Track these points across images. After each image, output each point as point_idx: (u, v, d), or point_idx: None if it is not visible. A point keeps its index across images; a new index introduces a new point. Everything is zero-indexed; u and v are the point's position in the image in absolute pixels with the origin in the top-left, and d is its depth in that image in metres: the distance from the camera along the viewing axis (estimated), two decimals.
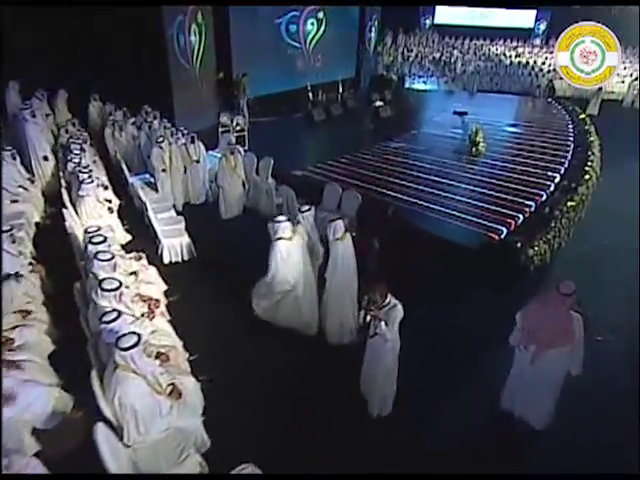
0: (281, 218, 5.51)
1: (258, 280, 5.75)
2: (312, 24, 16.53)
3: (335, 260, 5.36)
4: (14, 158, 7.52)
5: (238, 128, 11.45)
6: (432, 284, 6.42)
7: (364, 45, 19.27)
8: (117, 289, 4.42)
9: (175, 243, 7.41)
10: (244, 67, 13.84)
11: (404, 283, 6.45)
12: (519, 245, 6.99)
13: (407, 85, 20.78)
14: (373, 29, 19.91)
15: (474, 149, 11.30)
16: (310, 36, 16.60)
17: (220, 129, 11.40)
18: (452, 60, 21.61)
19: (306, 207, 5.88)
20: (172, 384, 4.00)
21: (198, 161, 9.21)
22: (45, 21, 10.71)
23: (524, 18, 24.05)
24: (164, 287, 6.12)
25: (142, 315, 4.72)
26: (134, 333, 3.71)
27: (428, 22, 25.31)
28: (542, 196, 9.20)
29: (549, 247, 7.21)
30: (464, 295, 6.36)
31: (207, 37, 12.94)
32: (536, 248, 6.94)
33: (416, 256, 6.82)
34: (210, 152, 10.57)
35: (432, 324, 5.87)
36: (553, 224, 7.75)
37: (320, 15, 16.62)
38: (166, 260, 7.35)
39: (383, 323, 4.16)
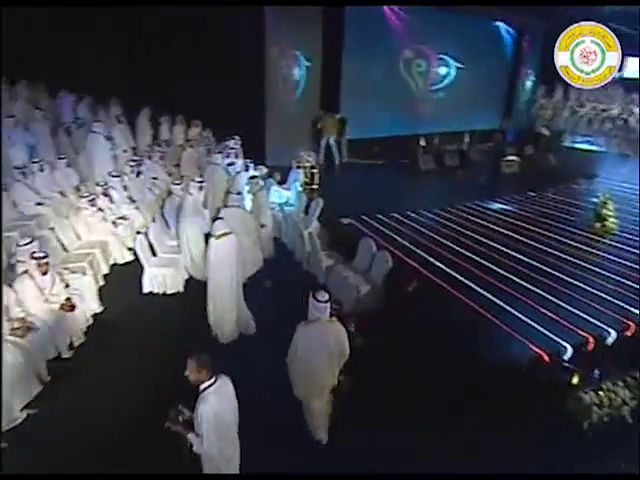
0: None
1: None
2: (444, 70, 15.11)
3: (209, 257, 5.40)
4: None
5: (308, 165, 10.55)
6: (429, 403, 4.40)
7: (514, 97, 16.94)
8: None
9: (157, 272, 6.67)
10: (352, 106, 12.99)
11: (388, 390, 4.69)
12: (574, 379, 4.42)
13: (567, 143, 17.50)
14: (531, 79, 17.43)
15: (598, 225, 8.34)
16: (440, 82, 15.18)
17: (295, 164, 10.64)
18: (633, 119, 17.50)
19: None
20: None
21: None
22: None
23: None
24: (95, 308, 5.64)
25: None
26: None
27: (616, 75, 21.32)
28: None
29: (635, 395, 4.41)
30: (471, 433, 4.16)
31: (313, 73, 12.49)
32: (601, 393, 4.28)
33: (418, 356, 4.86)
34: (276, 188, 9.89)
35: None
36: None
37: (452, 62, 15.11)
38: (145, 289, 6.65)
39: (192, 435, 3.02)
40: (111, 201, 7.63)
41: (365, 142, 13.53)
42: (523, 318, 5.60)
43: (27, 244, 4.89)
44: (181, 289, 6.79)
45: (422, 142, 13.43)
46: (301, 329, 4.03)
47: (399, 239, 7.93)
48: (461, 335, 5.13)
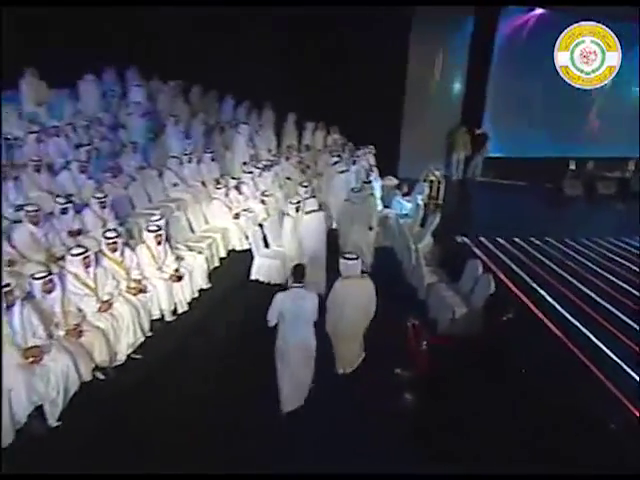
0: None
1: None
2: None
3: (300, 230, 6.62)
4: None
5: (435, 179, 10.34)
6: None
7: None
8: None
9: (265, 263, 7.26)
10: (497, 122, 12.36)
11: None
12: None
13: None
14: None
15: None
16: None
17: (422, 177, 10.56)
18: None
19: None
20: None
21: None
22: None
23: None
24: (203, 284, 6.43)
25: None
26: None
27: None
28: None
29: None
30: None
31: (457, 85, 12.19)
32: None
33: (488, 389, 4.55)
34: (399, 198, 10.01)
35: None
36: None
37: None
38: (252, 276, 7.28)
39: None
40: (240, 193, 8.49)
41: (506, 161, 12.75)
42: (632, 373, 4.83)
43: (156, 220, 5.83)
44: (284, 282, 7.27)
45: (572, 166, 12.15)
46: (338, 284, 4.70)
47: (513, 266, 7.39)
48: (546, 377, 4.63)
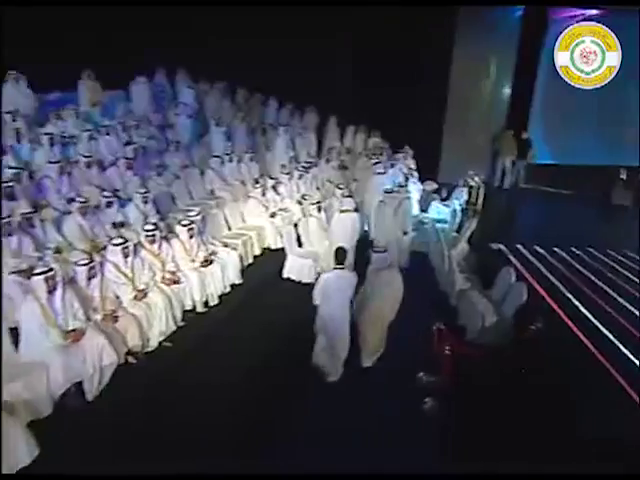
0: None
1: None
2: None
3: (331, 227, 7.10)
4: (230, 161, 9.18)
5: (475, 184, 10.15)
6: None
7: None
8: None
9: (297, 262, 7.40)
10: (543, 127, 11.97)
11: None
12: None
13: None
14: None
15: None
16: None
17: (461, 183, 10.41)
18: None
19: None
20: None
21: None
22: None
23: None
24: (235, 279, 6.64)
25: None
26: None
27: None
28: None
29: None
30: None
31: (502, 88, 11.89)
32: None
33: (503, 400, 4.48)
34: (436, 203, 9.92)
35: None
36: None
37: None
38: (285, 275, 7.43)
39: None
40: (277, 194, 8.69)
41: (552, 168, 12.29)
42: None
43: (192, 216, 6.14)
44: (314, 281, 7.38)
45: (622, 175, 11.58)
46: (371, 276, 5.15)
47: (550, 275, 7.19)
48: (569, 391, 4.52)
